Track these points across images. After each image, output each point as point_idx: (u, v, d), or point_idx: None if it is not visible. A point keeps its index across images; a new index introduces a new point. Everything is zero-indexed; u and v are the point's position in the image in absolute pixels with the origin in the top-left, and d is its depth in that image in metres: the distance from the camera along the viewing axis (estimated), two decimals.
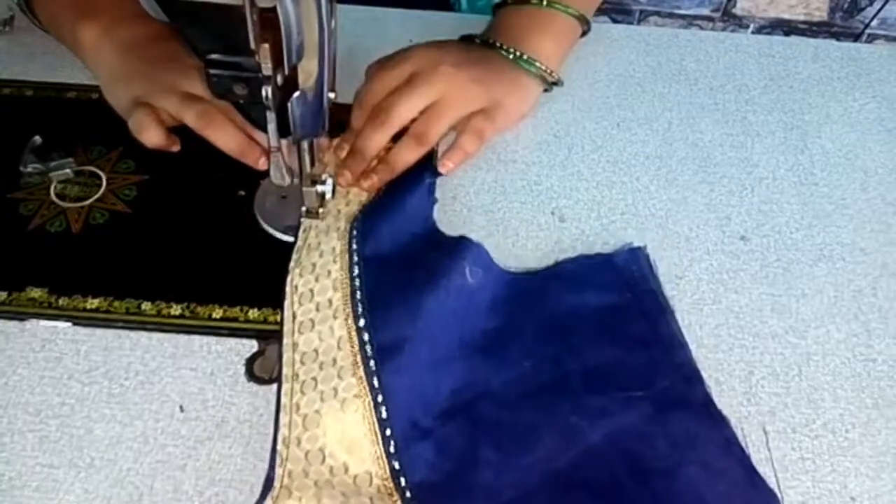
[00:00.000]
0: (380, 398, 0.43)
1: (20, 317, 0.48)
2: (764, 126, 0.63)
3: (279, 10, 0.37)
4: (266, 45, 0.38)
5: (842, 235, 0.56)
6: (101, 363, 0.47)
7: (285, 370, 0.45)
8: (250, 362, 0.47)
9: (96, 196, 0.54)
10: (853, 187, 0.59)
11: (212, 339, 0.48)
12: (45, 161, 0.55)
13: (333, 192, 0.52)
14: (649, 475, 0.43)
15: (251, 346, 0.48)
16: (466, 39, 0.62)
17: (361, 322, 0.46)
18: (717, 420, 0.45)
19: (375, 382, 0.44)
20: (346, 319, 0.46)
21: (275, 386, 0.46)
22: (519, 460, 0.43)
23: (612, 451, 0.44)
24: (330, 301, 0.47)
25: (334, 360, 0.45)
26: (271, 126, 0.43)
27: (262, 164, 0.52)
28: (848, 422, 0.47)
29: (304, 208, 0.52)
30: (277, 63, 0.39)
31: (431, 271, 0.48)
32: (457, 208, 0.56)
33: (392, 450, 0.42)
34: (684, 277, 0.53)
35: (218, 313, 0.49)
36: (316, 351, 0.45)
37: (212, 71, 0.40)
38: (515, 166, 0.59)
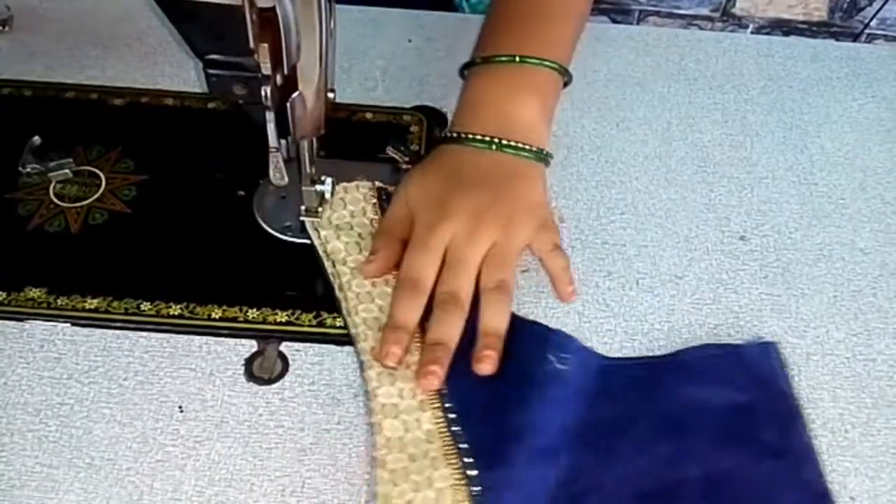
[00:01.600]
0: (477, 488, 0.40)
1: (19, 317, 0.48)
2: (763, 126, 0.63)
3: (278, 9, 0.37)
4: (265, 45, 0.38)
5: (841, 235, 0.56)
6: (100, 363, 0.47)
7: (374, 453, 0.42)
8: (249, 362, 0.47)
9: (95, 196, 0.54)
10: (852, 187, 0.59)
11: (211, 340, 0.48)
12: (45, 161, 0.55)
13: (332, 191, 0.52)
14: None
15: (250, 346, 0.48)
16: (458, 141, 0.54)
17: (452, 416, 0.43)
18: None
19: (473, 472, 0.41)
20: (433, 412, 0.44)
21: (274, 386, 0.46)
22: None
23: None
24: (413, 392, 0.45)
25: (426, 453, 0.42)
26: (271, 126, 0.43)
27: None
28: (847, 421, 0.46)
29: (303, 207, 0.52)
30: (277, 63, 0.39)
31: (517, 361, 0.46)
32: None
33: None
34: (684, 277, 0.53)
35: (217, 313, 0.49)
36: (401, 439, 0.43)
37: (211, 71, 0.40)
38: None
